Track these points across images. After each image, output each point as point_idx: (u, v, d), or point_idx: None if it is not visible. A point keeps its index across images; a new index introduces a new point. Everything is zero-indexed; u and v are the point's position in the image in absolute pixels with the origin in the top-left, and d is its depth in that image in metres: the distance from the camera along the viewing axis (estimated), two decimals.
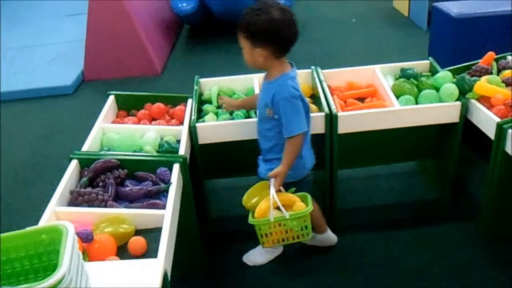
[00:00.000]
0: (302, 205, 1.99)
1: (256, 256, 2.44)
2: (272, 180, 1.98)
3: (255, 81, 2.70)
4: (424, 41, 4.77)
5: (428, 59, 2.80)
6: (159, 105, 2.61)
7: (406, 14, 5.92)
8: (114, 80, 4.79)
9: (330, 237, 2.48)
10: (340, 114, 2.40)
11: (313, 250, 2.50)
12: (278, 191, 2.02)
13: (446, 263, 2.38)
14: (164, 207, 1.84)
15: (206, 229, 2.54)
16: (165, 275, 1.51)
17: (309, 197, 2.04)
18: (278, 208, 1.93)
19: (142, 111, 2.61)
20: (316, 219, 2.29)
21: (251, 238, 2.55)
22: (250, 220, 1.99)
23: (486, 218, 2.45)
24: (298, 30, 2.01)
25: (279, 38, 1.96)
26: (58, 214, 1.79)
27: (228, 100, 2.53)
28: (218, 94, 2.68)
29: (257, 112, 2.19)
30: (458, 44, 3.94)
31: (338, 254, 2.48)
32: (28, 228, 1.15)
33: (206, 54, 5.20)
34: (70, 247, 1.02)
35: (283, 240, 2.03)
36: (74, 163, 2.06)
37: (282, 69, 2.05)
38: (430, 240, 2.51)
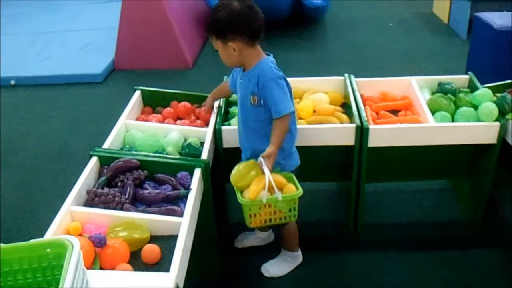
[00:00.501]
0: (293, 188, 1.96)
1: (276, 268, 2.38)
2: (263, 160, 1.90)
3: None
4: (463, 51, 4.62)
5: (468, 74, 2.67)
6: (185, 104, 2.55)
7: (446, 21, 5.74)
8: (144, 71, 4.77)
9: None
10: (371, 127, 2.30)
11: (335, 265, 2.42)
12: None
13: None
14: (182, 214, 1.78)
15: (225, 234, 2.48)
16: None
17: (294, 178, 2.01)
18: (268, 188, 1.89)
19: (168, 109, 2.56)
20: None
21: (270, 245, 2.51)
22: (241, 200, 1.92)
23: None
24: (262, 15, 1.95)
25: (245, 27, 1.91)
26: (73, 213, 1.75)
27: (205, 102, 2.48)
28: None
29: (239, 106, 2.11)
30: (499, 58, 3.78)
31: (360, 272, 2.39)
32: (33, 241, 1.10)
33: None
34: (73, 266, 0.97)
35: (270, 220, 1.98)
36: (93, 161, 2.01)
37: (259, 57, 2.00)
38: (458, 265, 2.40)
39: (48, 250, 1.07)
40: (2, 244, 1.07)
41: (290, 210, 1.96)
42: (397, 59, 4.87)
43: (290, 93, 2.04)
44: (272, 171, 1.95)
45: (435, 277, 2.35)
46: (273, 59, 2.05)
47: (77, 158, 3.37)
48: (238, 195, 1.95)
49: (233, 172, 1.99)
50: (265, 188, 1.87)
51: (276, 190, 1.90)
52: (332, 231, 2.66)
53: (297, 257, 2.40)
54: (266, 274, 2.36)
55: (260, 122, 2.03)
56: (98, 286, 1.23)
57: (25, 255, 1.06)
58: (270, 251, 2.47)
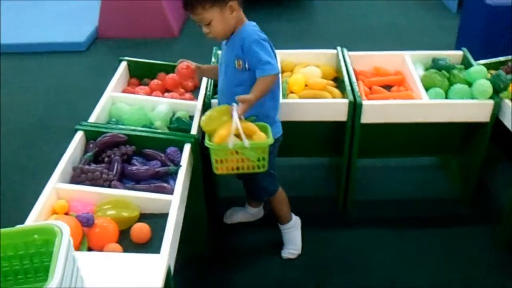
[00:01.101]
0: (263, 136, 1.89)
1: (292, 246, 2.34)
2: (235, 106, 1.84)
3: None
4: (453, 25, 4.57)
5: (461, 50, 2.63)
6: (173, 76, 2.47)
7: None
8: (128, 40, 4.64)
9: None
10: (365, 103, 2.26)
11: (324, 241, 2.41)
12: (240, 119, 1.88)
13: (460, 270, 2.27)
14: (171, 192, 1.72)
15: (214, 209, 2.44)
16: (168, 270, 1.41)
17: (269, 128, 1.93)
18: (237, 135, 1.83)
19: (155, 81, 2.48)
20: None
21: (259, 221, 2.49)
22: (207, 143, 1.86)
23: (507, 227, 2.32)
24: None
25: None
26: (59, 191, 1.68)
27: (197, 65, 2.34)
28: None
29: (222, 73, 2.05)
30: (490, 33, 3.74)
31: (349, 250, 2.38)
32: (19, 227, 1.04)
33: None
34: (64, 254, 0.91)
35: (237, 169, 1.92)
36: (79, 135, 1.94)
37: (243, 21, 1.97)
38: (446, 243, 2.40)
39: (36, 236, 1.01)
40: None
41: (258, 160, 1.89)
42: (385, 32, 4.81)
43: (275, 56, 1.99)
44: (246, 118, 1.90)
45: (424, 254, 2.35)
46: (255, 24, 2.01)
47: (60, 130, 3.28)
48: (206, 139, 1.88)
49: (204, 115, 1.93)
50: (231, 133, 1.80)
51: (244, 136, 1.81)
52: (321, 208, 2.64)
53: (296, 221, 2.36)
54: (292, 256, 2.33)
55: (244, 87, 1.96)
56: (88, 270, 1.18)
57: (10, 242, 1.00)
58: (259, 227, 2.45)
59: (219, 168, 1.90)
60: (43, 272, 1.02)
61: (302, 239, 2.37)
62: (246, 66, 1.94)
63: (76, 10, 5.22)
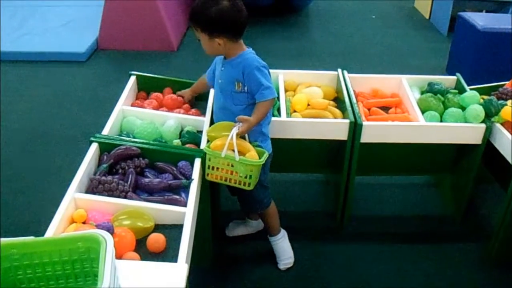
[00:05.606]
0: (255, 156, 2.03)
1: (284, 257, 2.43)
2: (238, 124, 2.01)
3: (280, 77, 2.68)
4: (444, 48, 4.75)
5: (455, 75, 2.77)
6: (172, 97, 2.51)
7: (427, 17, 5.85)
8: (128, 52, 4.72)
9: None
10: (365, 123, 2.37)
11: (320, 255, 2.50)
12: (241, 137, 2.06)
13: (452, 285, 2.37)
14: (184, 204, 1.81)
15: (216, 222, 2.52)
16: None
17: (265, 154, 2.06)
18: (233, 150, 1.97)
19: (168, 96, 2.54)
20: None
21: (259, 233, 2.58)
22: (205, 147, 2.02)
23: (495, 244, 2.44)
24: (246, 11, 2.04)
25: (232, 26, 2.01)
26: (77, 201, 1.76)
27: (184, 92, 2.54)
28: None
29: (219, 89, 2.18)
30: (481, 58, 3.91)
31: (345, 262, 2.48)
32: (64, 234, 1.12)
33: None
34: (110, 261, 0.99)
35: (225, 180, 2.05)
36: (94, 147, 2.02)
37: (241, 49, 2.11)
38: (439, 259, 2.50)
39: (80, 243, 1.09)
40: (33, 238, 1.09)
41: (246, 177, 2.01)
42: (379, 53, 4.95)
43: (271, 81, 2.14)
44: (251, 142, 2.06)
45: (418, 269, 2.45)
46: (252, 50, 2.14)
47: (60, 140, 3.35)
48: (206, 145, 2.05)
49: (213, 126, 2.11)
50: (226, 144, 1.94)
51: (236, 151, 1.95)
52: (318, 222, 2.73)
53: (284, 233, 2.45)
54: (289, 265, 2.43)
55: (241, 107, 2.11)
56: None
57: (56, 248, 1.08)
58: (260, 238, 2.53)
59: (210, 175, 2.05)
60: (83, 277, 1.10)
61: (301, 252, 2.46)
62: (246, 88, 2.08)
63: (77, 20, 5.29)
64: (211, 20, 1.97)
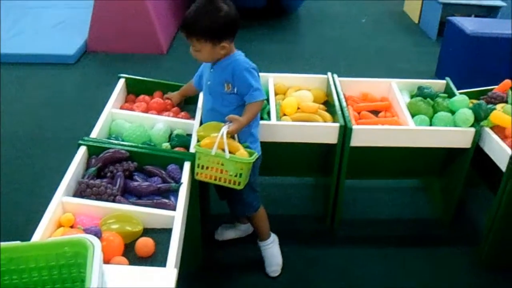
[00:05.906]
0: (245, 154, 2.01)
1: (274, 262, 2.41)
2: (228, 123, 2.00)
3: (270, 80, 2.67)
4: (433, 52, 4.77)
5: (445, 79, 2.78)
6: (157, 101, 2.49)
7: (416, 21, 5.89)
8: (117, 55, 4.70)
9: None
10: (355, 127, 2.37)
11: (310, 259, 2.49)
12: (231, 137, 2.04)
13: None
14: (173, 208, 1.79)
15: (205, 226, 2.50)
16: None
17: (255, 154, 2.04)
18: (223, 150, 1.96)
19: (154, 100, 2.52)
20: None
21: (249, 236, 2.56)
22: (195, 146, 2.01)
23: (485, 248, 2.45)
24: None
25: (235, 27, 2.04)
26: (65, 204, 1.74)
27: (172, 95, 2.55)
28: None
29: (208, 91, 2.17)
30: (470, 62, 3.93)
31: (336, 266, 2.47)
32: (51, 239, 1.10)
33: None
34: (97, 266, 0.98)
35: (215, 179, 2.02)
36: (82, 150, 2.00)
37: (232, 50, 2.11)
38: (429, 262, 2.51)
39: (66, 248, 1.07)
40: (19, 242, 1.07)
41: (236, 175, 1.99)
42: (369, 56, 4.97)
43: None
44: (241, 143, 2.04)
45: (408, 272, 2.45)
46: (242, 53, 2.15)
47: (49, 142, 3.32)
48: (195, 144, 2.04)
49: (202, 126, 2.11)
50: (215, 142, 1.94)
51: (226, 149, 1.94)
52: (308, 226, 2.73)
53: (274, 238, 2.44)
54: (278, 272, 2.40)
55: (230, 108, 2.10)
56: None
57: (42, 253, 1.06)
58: (250, 242, 2.52)
59: (199, 174, 2.02)
60: (70, 283, 1.08)
61: (290, 256, 2.45)
62: (235, 90, 2.08)
63: (67, 22, 5.26)
64: (221, 27, 1.97)
